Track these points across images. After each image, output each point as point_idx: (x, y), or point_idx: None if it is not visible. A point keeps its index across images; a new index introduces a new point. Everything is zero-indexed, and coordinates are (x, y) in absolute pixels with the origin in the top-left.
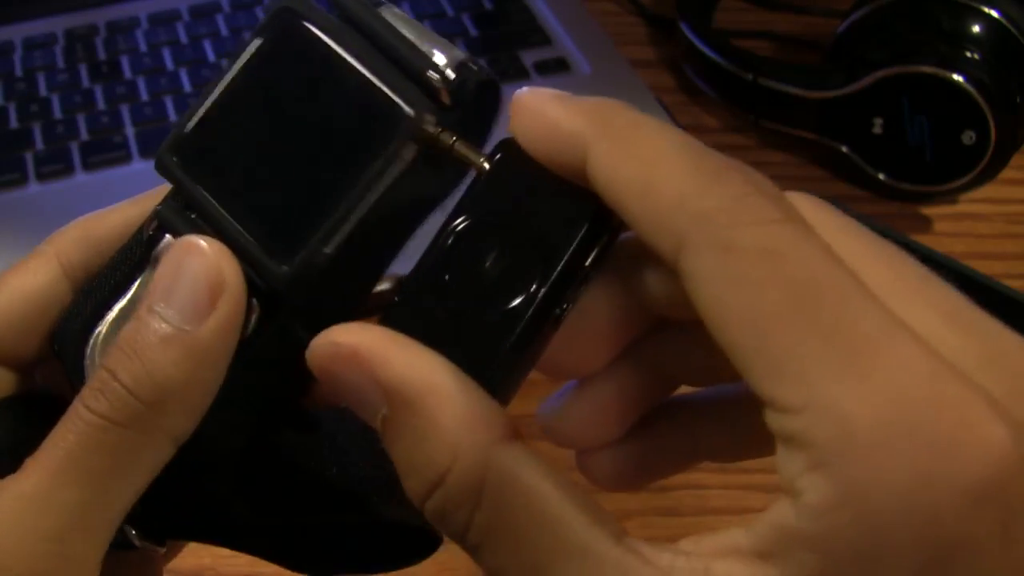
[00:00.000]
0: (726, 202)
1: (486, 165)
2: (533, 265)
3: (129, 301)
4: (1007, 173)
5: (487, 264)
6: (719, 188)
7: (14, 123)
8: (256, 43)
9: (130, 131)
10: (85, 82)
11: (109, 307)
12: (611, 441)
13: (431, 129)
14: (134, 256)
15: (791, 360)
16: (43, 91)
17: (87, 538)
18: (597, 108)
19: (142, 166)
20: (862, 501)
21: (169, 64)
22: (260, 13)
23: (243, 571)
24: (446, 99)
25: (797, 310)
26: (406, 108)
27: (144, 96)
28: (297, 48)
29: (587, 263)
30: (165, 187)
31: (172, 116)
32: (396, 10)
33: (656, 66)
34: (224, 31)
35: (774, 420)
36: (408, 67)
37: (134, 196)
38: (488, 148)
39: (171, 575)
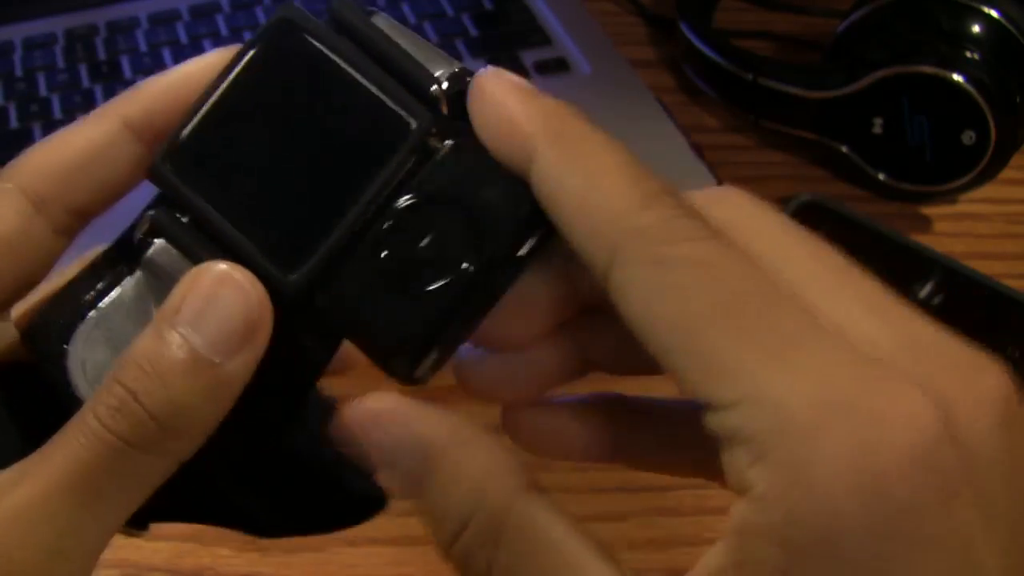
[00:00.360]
0: (659, 221)
1: (447, 146)
2: (469, 250)
3: (118, 301)
4: (1007, 173)
5: (426, 242)
6: (654, 208)
7: (14, 123)
8: (252, 52)
9: None
10: (85, 82)
11: (92, 306)
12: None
13: (432, 140)
14: (120, 256)
15: (723, 359)
16: (43, 91)
17: (83, 551)
18: (553, 112)
19: None
20: (809, 481)
21: (169, 64)
22: (260, 13)
23: (243, 571)
24: (445, 109)
25: (725, 314)
26: (409, 119)
27: None
28: (297, 59)
29: (521, 254)
30: (119, 97)
31: None
32: (389, 18)
33: (656, 66)
34: (224, 31)
35: (712, 420)
36: (406, 78)
37: (90, 115)
38: None
39: (171, 575)
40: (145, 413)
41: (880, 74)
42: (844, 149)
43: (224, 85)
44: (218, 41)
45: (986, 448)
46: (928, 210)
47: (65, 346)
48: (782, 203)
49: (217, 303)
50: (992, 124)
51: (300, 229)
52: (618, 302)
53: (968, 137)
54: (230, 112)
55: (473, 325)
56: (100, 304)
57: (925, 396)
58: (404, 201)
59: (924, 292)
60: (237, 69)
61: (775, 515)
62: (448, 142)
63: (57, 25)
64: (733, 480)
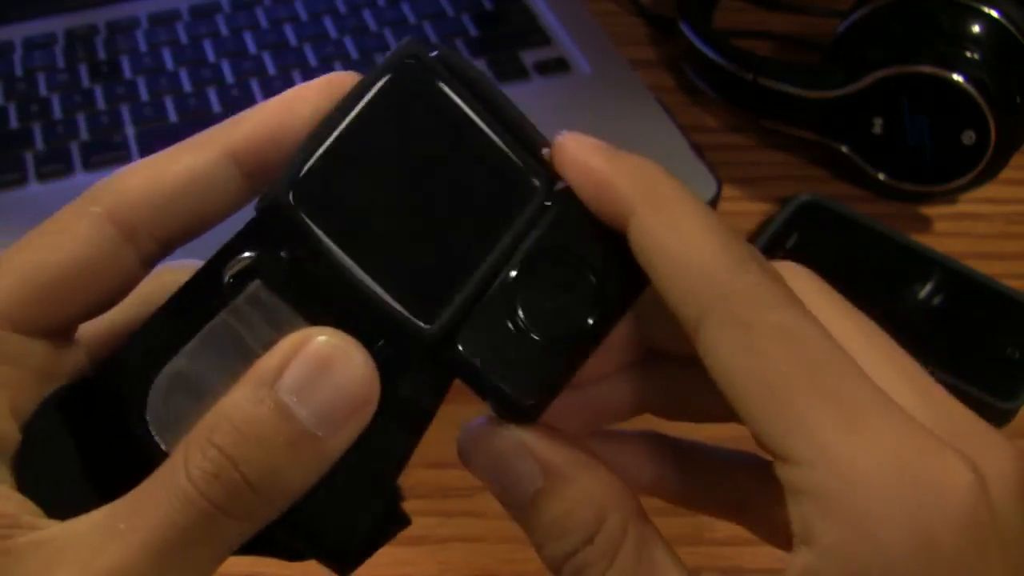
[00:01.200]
0: (748, 286)
1: (564, 206)
2: (590, 305)
3: (203, 347)
4: (1007, 173)
5: (549, 297)
6: (743, 273)
7: (14, 123)
8: (379, 86)
9: (130, 131)
10: (85, 82)
11: (178, 347)
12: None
13: (557, 196)
14: (209, 298)
15: (802, 419)
16: (43, 91)
17: None
18: (643, 171)
19: None
20: (874, 537)
21: (169, 64)
22: (260, 13)
23: (243, 571)
24: (555, 173)
25: (807, 378)
26: (534, 179)
27: (144, 96)
28: (425, 100)
29: (628, 309)
30: (223, 124)
31: (172, 116)
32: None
33: (656, 66)
34: (224, 31)
35: (785, 472)
36: (520, 134)
37: (190, 141)
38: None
39: None
40: (244, 482)
41: (880, 74)
42: (844, 149)
43: (349, 119)
44: (218, 41)
45: (1008, 511)
46: (928, 210)
47: (145, 390)
48: (782, 203)
49: (328, 376)
50: (992, 124)
51: (432, 278)
52: (705, 355)
53: (968, 137)
54: (355, 148)
55: (580, 368)
56: (184, 348)
57: (967, 466)
58: (527, 257)
59: (924, 292)
60: (362, 104)
61: (840, 564)
62: (559, 202)
63: (57, 25)
64: (799, 529)
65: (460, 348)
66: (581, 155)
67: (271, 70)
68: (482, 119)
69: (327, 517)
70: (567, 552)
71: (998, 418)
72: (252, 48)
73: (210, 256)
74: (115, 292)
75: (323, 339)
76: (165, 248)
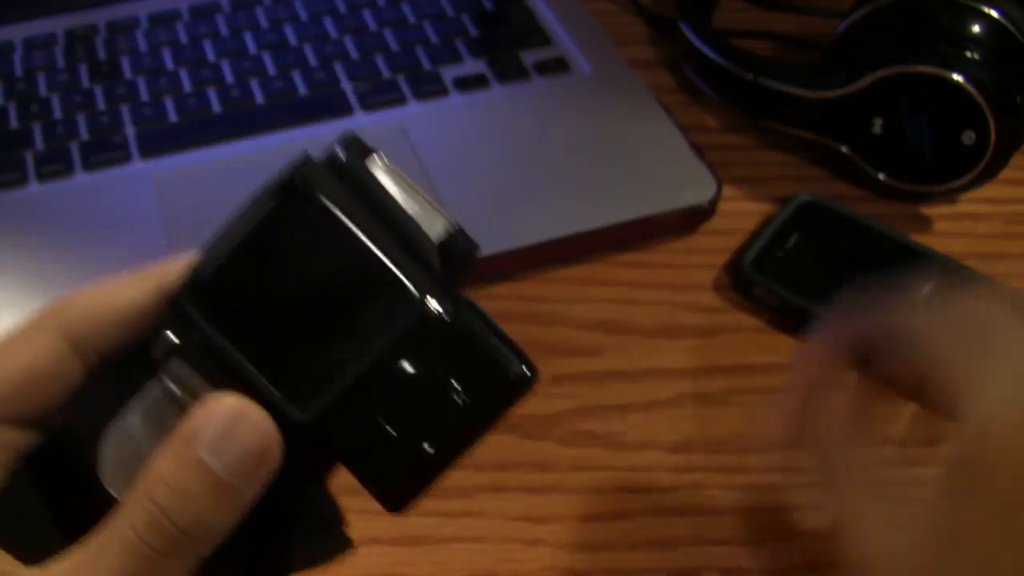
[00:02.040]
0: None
1: (447, 318)
2: (463, 408)
3: (138, 410)
4: (1007, 173)
5: (422, 397)
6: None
7: (14, 123)
8: (270, 204)
9: (130, 131)
10: (85, 82)
11: (117, 408)
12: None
13: (434, 308)
14: (141, 371)
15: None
16: (43, 91)
17: None
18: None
19: (142, 166)
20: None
21: (169, 64)
22: (260, 13)
23: None
24: (437, 265)
25: None
26: (412, 289)
27: (144, 96)
28: (311, 216)
29: (500, 419)
30: (158, 265)
31: (172, 116)
32: (387, 162)
33: (656, 66)
34: (224, 31)
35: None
36: (406, 236)
37: (133, 275)
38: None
39: None
40: (175, 529)
41: (880, 74)
42: (844, 149)
43: (241, 234)
44: (218, 41)
45: None
46: (928, 210)
47: (94, 448)
48: (782, 203)
49: (235, 433)
50: (992, 124)
51: (310, 372)
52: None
53: (968, 137)
54: (246, 259)
55: (455, 463)
56: (125, 410)
57: None
58: (405, 362)
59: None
60: (254, 221)
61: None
62: (443, 310)
63: (57, 25)
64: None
65: (332, 437)
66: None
67: (271, 70)
68: (365, 231)
69: (240, 556)
70: None
71: None
72: (252, 48)
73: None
74: (63, 395)
75: (229, 401)
76: (104, 360)
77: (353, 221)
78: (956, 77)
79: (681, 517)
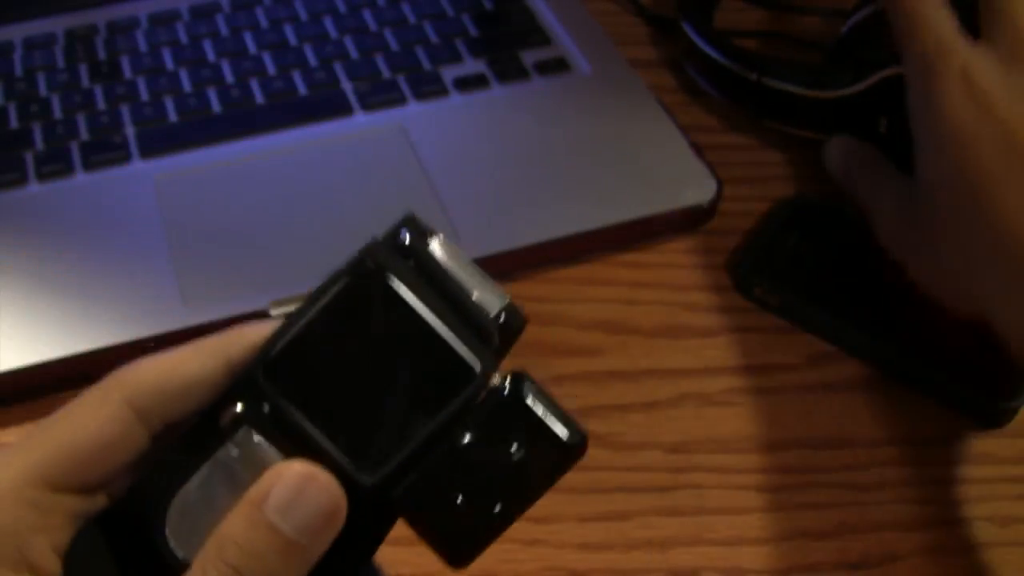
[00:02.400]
0: None
1: (505, 389)
2: (511, 483)
3: (206, 477)
4: None
5: (482, 469)
6: None
7: (14, 123)
8: (340, 284)
9: (130, 131)
10: (85, 82)
11: (187, 477)
12: None
13: (494, 380)
14: (208, 439)
15: None
16: (43, 91)
17: None
18: None
19: (142, 166)
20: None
21: (169, 64)
22: (260, 13)
23: None
24: (496, 341)
25: None
26: (474, 363)
27: (144, 96)
28: (378, 295)
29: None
30: (224, 336)
31: (172, 116)
32: (446, 244)
33: (656, 66)
34: (224, 31)
35: None
36: (467, 314)
37: (198, 346)
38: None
39: None
40: None
41: (885, 73)
42: None
43: (313, 311)
44: (218, 41)
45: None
46: None
47: (164, 513)
48: (781, 203)
49: (304, 496)
50: None
51: (376, 441)
52: None
53: None
54: (318, 334)
55: (513, 523)
56: (192, 478)
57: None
58: (466, 431)
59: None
60: (326, 299)
61: None
62: (500, 382)
63: (57, 25)
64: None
65: (395, 501)
66: None
67: (271, 70)
68: (430, 308)
69: None
70: None
71: (998, 418)
72: (252, 48)
73: (206, 408)
74: (129, 461)
75: (298, 467)
76: (169, 427)
77: (418, 299)
78: None
79: (681, 517)
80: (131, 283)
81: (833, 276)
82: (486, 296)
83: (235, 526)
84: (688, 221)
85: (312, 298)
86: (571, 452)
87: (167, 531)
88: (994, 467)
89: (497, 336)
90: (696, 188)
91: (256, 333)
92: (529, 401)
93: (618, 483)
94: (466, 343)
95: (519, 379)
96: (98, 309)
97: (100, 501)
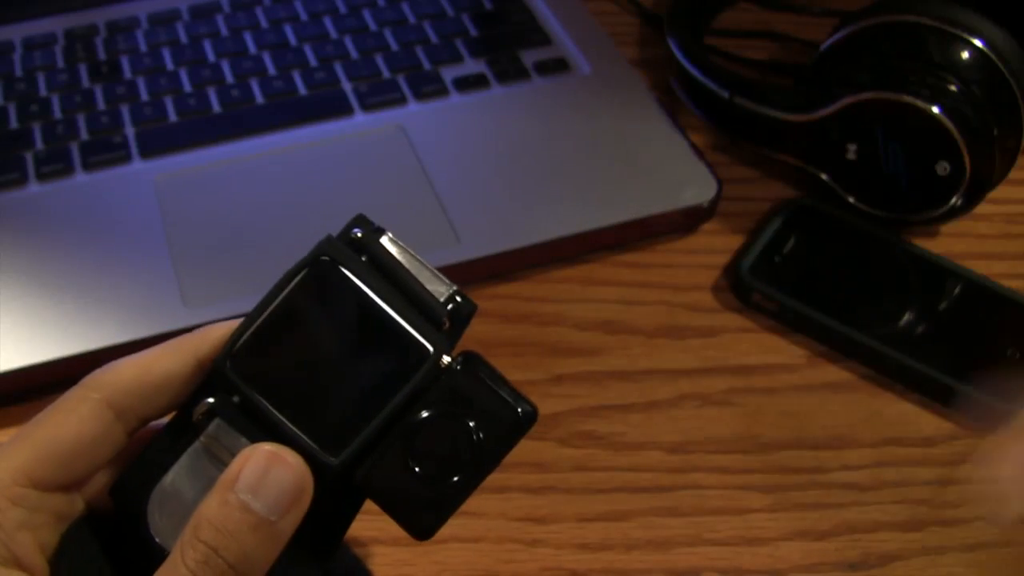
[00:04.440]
0: None
1: (457, 367)
2: (476, 449)
3: (182, 469)
4: (1008, 173)
5: (440, 442)
6: None
7: (14, 123)
8: (300, 277)
9: (130, 131)
10: (85, 82)
11: (164, 470)
12: None
13: (445, 360)
14: (183, 433)
15: None
16: (43, 91)
17: None
18: None
19: (142, 166)
20: None
21: (169, 64)
22: (260, 13)
23: None
24: (447, 325)
25: None
26: (427, 345)
27: (144, 96)
28: (335, 286)
29: (508, 453)
30: (193, 336)
31: (172, 116)
32: (395, 239)
33: (656, 66)
34: (224, 31)
35: None
36: (420, 302)
37: (170, 346)
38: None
39: None
40: (225, 564)
41: (850, 100)
42: (817, 172)
43: (274, 304)
44: (218, 41)
45: None
46: None
47: (145, 501)
48: (778, 207)
49: (272, 475)
50: (966, 156)
51: (338, 424)
52: None
53: (942, 168)
54: (280, 325)
55: (471, 493)
56: (170, 470)
57: None
58: (423, 409)
59: (923, 294)
60: (286, 292)
61: None
62: (452, 362)
63: (57, 25)
64: None
65: (360, 480)
66: None
67: (271, 70)
68: (383, 298)
69: None
70: None
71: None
72: (252, 48)
73: (181, 404)
74: (108, 457)
75: (265, 448)
76: (145, 423)
77: (372, 288)
78: (929, 106)
79: (680, 517)
80: (131, 283)
81: (831, 280)
82: (435, 285)
83: (210, 508)
84: (688, 221)
85: (272, 293)
86: (521, 424)
87: (148, 523)
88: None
89: (448, 320)
90: (696, 188)
91: (223, 330)
92: (481, 378)
93: (618, 483)
94: (418, 328)
95: (471, 358)
96: (98, 309)
97: (82, 502)
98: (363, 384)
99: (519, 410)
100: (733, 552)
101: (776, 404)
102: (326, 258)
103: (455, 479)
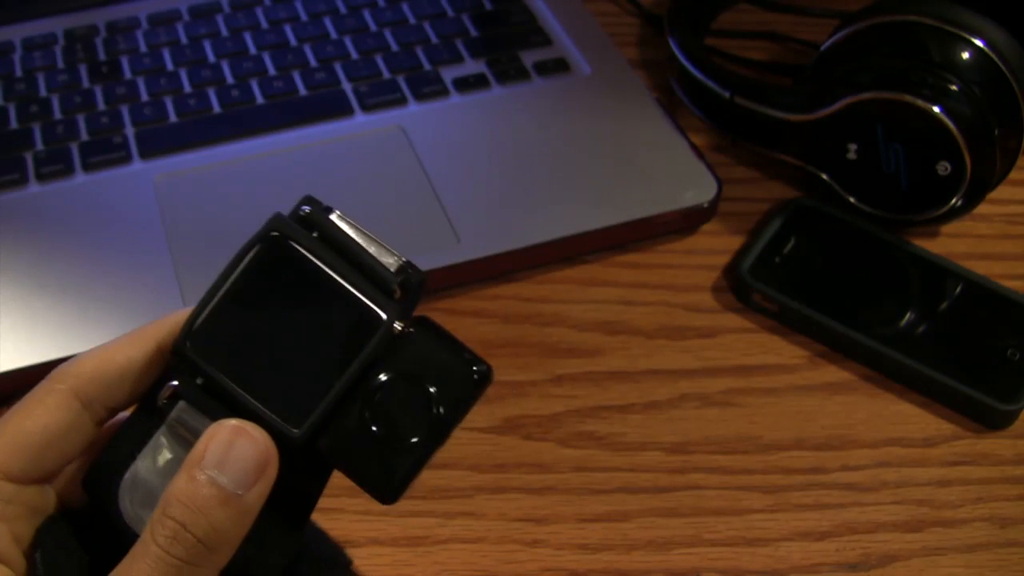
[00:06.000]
0: None
1: (411, 330)
2: (434, 410)
3: (151, 453)
4: (1009, 173)
5: (400, 405)
6: None
7: (14, 123)
8: (250, 255)
9: (130, 131)
10: (85, 82)
11: (133, 456)
12: None
13: (398, 327)
14: (150, 418)
15: None
16: (43, 91)
17: None
18: None
19: (142, 166)
20: None
21: (169, 64)
22: (260, 13)
23: None
24: (398, 294)
25: None
26: (381, 313)
27: (144, 96)
28: (287, 261)
29: (466, 413)
30: (153, 323)
31: (172, 116)
32: (344, 216)
33: (656, 66)
34: (224, 31)
35: None
36: (371, 273)
37: (131, 335)
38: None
39: None
40: (194, 539)
41: (851, 100)
42: (818, 172)
43: (229, 282)
44: (218, 41)
45: None
46: None
47: (115, 489)
48: (780, 206)
49: (236, 449)
50: (967, 156)
51: (299, 395)
52: None
53: (943, 168)
54: (236, 303)
55: (434, 454)
56: (138, 456)
57: None
58: (380, 374)
59: (923, 294)
60: (239, 270)
61: None
62: (405, 327)
63: (57, 25)
64: None
65: (322, 446)
66: None
67: (271, 70)
68: (334, 269)
69: (253, 559)
70: None
71: (999, 420)
72: (252, 48)
73: (147, 391)
74: (78, 448)
75: (228, 423)
76: (112, 413)
77: (323, 262)
78: (930, 106)
79: (680, 518)
80: (131, 283)
81: (831, 280)
82: (385, 257)
83: (178, 486)
84: (688, 221)
85: (225, 272)
86: (478, 384)
87: (120, 510)
88: (994, 467)
89: (399, 290)
90: (696, 188)
91: (183, 315)
92: (435, 342)
93: (618, 484)
94: (370, 296)
95: (424, 323)
96: (98, 309)
97: (55, 496)
98: (321, 355)
99: (474, 368)
100: (733, 552)
101: (776, 404)
102: (276, 233)
103: (414, 440)
